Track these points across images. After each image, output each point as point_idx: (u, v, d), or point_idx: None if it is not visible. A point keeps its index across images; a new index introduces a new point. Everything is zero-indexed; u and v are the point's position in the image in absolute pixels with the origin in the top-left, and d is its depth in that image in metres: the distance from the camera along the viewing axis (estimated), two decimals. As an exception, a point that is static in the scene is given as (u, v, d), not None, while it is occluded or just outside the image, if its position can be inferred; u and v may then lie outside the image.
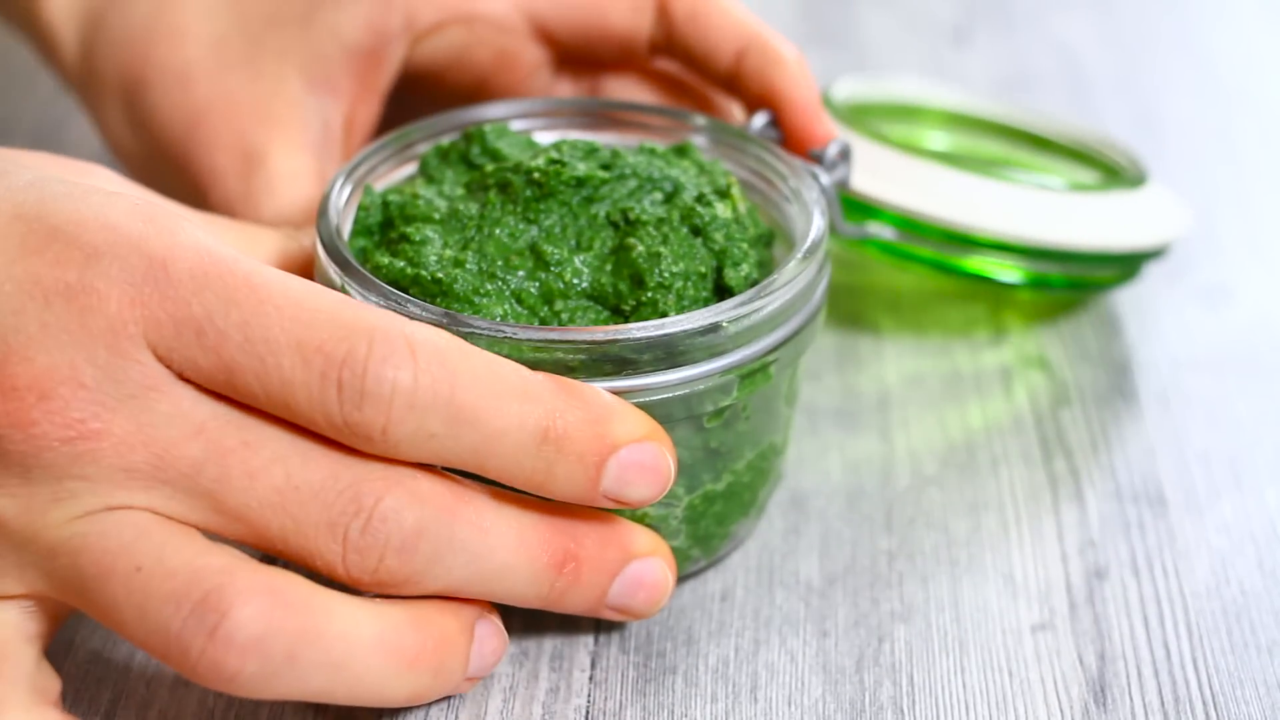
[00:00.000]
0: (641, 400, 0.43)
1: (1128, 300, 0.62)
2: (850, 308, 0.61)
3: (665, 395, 0.43)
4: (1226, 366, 0.58)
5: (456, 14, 0.53)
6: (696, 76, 0.55)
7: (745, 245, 0.47)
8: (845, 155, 0.52)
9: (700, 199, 0.47)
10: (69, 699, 0.44)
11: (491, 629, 0.42)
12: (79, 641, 0.46)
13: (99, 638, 0.46)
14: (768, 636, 0.47)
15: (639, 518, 0.45)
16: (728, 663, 0.46)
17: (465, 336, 0.42)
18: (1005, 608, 0.48)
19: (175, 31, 0.53)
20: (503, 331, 0.42)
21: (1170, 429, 0.55)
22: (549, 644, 0.46)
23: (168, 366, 0.39)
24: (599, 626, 0.47)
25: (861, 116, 0.62)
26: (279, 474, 0.39)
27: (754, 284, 0.46)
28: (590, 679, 0.45)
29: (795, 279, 0.45)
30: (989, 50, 0.81)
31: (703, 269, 0.46)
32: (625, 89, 0.57)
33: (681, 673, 0.46)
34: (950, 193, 0.56)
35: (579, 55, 0.56)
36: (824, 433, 0.55)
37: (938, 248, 0.57)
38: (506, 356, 0.42)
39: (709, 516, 0.47)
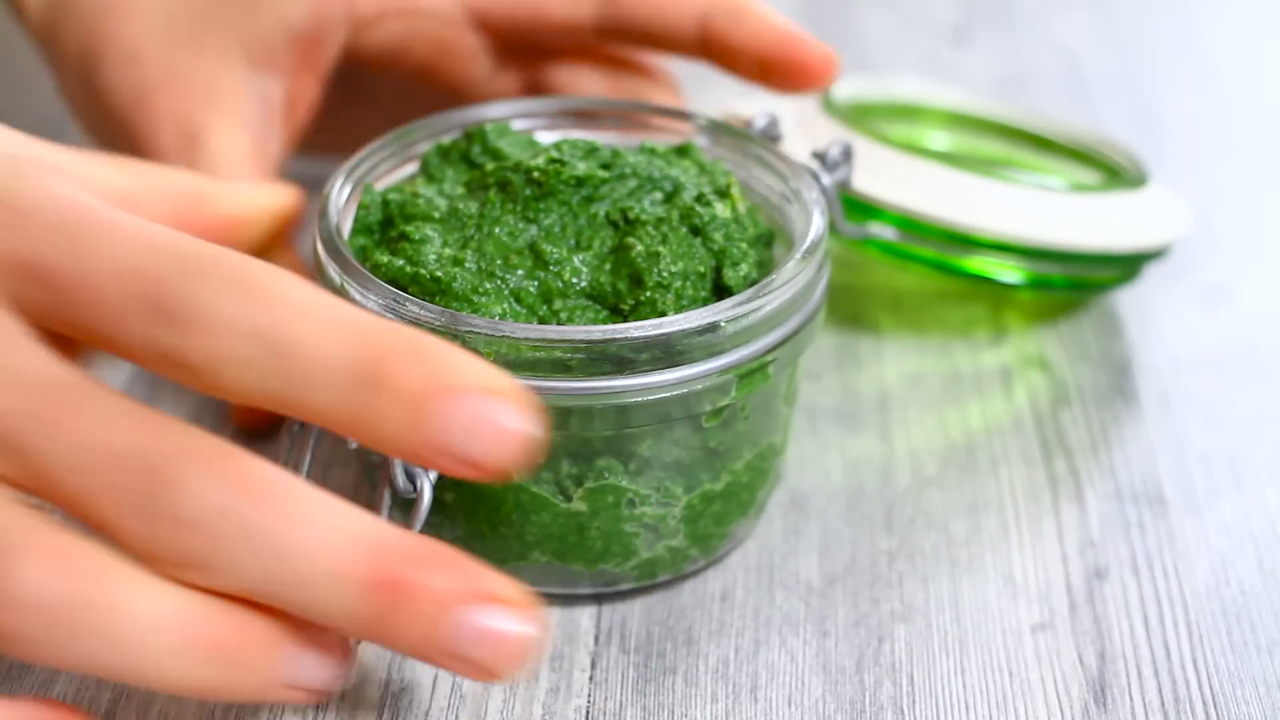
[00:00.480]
0: (640, 400, 0.43)
1: (1128, 300, 0.62)
2: (850, 308, 0.61)
3: (663, 395, 0.43)
4: (1226, 366, 0.58)
5: (396, 6, 0.56)
6: (658, 53, 0.56)
7: (744, 245, 0.47)
8: (847, 155, 0.52)
9: (699, 199, 0.47)
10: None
11: (327, 640, 0.38)
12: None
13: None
14: (768, 636, 0.47)
15: (635, 517, 0.45)
16: (728, 663, 0.46)
17: (464, 335, 0.42)
18: (1005, 608, 0.48)
19: (130, 7, 0.55)
20: (500, 330, 0.42)
21: (1170, 429, 0.55)
22: (549, 644, 0.46)
23: (22, 316, 0.38)
24: (599, 626, 0.47)
25: (862, 116, 0.62)
26: (94, 436, 0.37)
27: (753, 284, 0.46)
28: (590, 679, 0.45)
29: (794, 279, 0.45)
30: (989, 50, 0.81)
31: (701, 269, 0.46)
32: (570, 74, 0.58)
33: (682, 673, 0.46)
34: (951, 193, 0.56)
35: (521, 44, 0.57)
36: (824, 433, 0.55)
37: (939, 248, 0.57)
38: (505, 354, 0.42)
39: (707, 516, 0.47)
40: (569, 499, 0.45)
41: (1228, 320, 0.61)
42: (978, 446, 0.54)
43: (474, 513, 0.46)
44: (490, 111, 0.52)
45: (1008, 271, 0.57)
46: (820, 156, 0.52)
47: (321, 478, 0.51)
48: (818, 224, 0.47)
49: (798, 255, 0.46)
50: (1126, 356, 0.59)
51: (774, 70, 0.53)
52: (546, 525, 0.45)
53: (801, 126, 0.57)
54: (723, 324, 0.43)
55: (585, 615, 0.47)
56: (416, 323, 0.43)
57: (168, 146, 0.53)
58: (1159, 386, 0.57)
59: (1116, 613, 0.48)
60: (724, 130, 0.52)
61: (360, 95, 0.59)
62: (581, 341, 0.42)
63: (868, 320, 0.60)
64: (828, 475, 0.53)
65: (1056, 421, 0.56)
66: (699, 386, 0.43)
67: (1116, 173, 0.62)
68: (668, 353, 0.43)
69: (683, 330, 0.43)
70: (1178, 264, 0.63)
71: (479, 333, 0.42)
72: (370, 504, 0.42)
